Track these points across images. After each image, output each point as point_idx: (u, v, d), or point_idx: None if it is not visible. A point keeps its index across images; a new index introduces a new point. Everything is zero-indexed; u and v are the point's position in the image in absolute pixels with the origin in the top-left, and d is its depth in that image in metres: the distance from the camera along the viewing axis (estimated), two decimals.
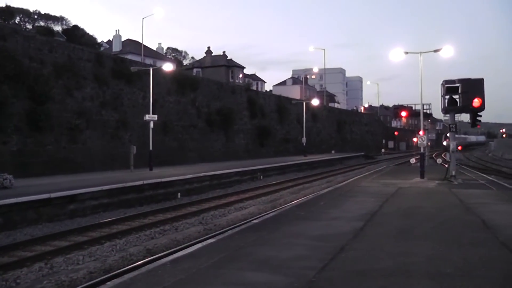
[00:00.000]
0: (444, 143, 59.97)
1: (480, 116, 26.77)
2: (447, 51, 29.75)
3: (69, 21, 72.09)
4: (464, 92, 25.35)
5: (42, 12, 71.50)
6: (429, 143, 46.49)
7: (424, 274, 8.23)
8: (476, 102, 25.04)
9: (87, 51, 35.56)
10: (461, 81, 25.64)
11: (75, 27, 67.97)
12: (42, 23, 68.45)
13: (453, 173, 27.06)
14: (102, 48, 67.95)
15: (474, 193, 21.42)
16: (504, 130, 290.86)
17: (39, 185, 21.92)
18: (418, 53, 30.79)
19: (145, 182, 24.72)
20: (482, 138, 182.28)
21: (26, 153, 28.22)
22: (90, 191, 20.94)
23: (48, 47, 31.12)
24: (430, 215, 14.87)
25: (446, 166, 33.58)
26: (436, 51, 29.90)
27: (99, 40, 76.45)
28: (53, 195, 19.11)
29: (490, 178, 31.03)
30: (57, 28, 67.54)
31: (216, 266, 8.83)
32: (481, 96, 25.22)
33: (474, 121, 26.90)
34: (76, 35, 60.14)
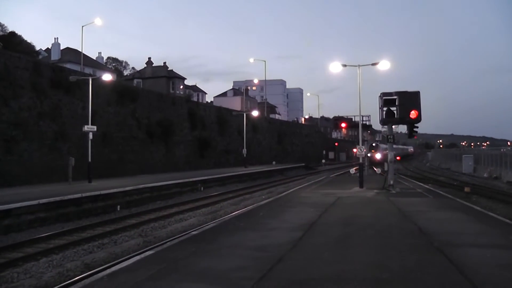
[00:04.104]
0: (369, 154, 61.05)
1: (417, 127, 27.71)
2: (384, 65, 30.65)
3: (5, 27, 69.47)
4: (401, 105, 26.13)
5: None
6: (368, 154, 47.63)
7: (361, 280, 8.49)
8: (413, 114, 25.87)
9: (25, 59, 34.55)
10: (398, 93, 26.44)
11: (12, 33, 65.71)
12: None
13: (391, 182, 27.84)
14: (40, 57, 66.05)
15: (411, 201, 22.14)
16: (441, 140, 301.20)
17: None
18: (356, 66, 31.65)
19: (84, 195, 24.34)
20: (411, 148, 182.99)
21: None
22: (26, 205, 20.43)
23: None
24: (368, 223, 15.24)
25: (385, 175, 34.58)
26: (373, 64, 30.76)
27: (37, 48, 74.10)
28: None
29: (427, 186, 32.07)
30: None
31: (154, 279, 8.87)
32: (418, 108, 26.04)
33: (411, 132, 27.81)
34: (13, 42, 58.22)
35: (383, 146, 78.71)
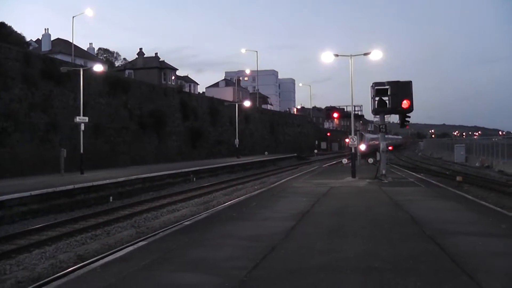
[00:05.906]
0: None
1: (409, 117, 27.74)
2: (376, 55, 30.52)
3: None
4: (393, 94, 26.14)
5: None
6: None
7: (354, 269, 8.50)
8: (405, 103, 25.90)
9: (15, 50, 34.31)
10: (390, 83, 26.44)
11: (2, 24, 65.17)
12: None
13: (383, 172, 27.89)
14: (31, 48, 65.70)
15: (403, 190, 22.18)
16: (433, 130, 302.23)
17: None
18: (348, 56, 31.46)
19: (76, 186, 24.28)
20: (401, 137, 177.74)
21: None
22: (18, 197, 20.35)
23: None
24: (360, 213, 15.25)
25: (377, 165, 34.65)
26: (365, 54, 30.60)
27: (27, 39, 73.81)
28: None
29: (419, 176, 32.12)
30: None
31: (147, 269, 8.87)
32: (410, 98, 26.04)
33: (403, 122, 27.85)
34: (3, 34, 57.83)
35: (368, 136, 78.07)
